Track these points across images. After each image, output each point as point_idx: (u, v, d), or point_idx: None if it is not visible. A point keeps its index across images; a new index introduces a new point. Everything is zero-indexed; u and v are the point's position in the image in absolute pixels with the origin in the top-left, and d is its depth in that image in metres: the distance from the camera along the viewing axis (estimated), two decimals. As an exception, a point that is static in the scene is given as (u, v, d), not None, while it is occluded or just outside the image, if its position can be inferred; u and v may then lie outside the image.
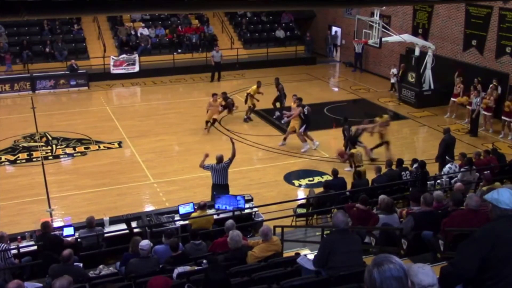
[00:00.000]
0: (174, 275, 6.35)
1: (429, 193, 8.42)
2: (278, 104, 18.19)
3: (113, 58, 22.84)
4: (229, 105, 17.16)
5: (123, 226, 9.55)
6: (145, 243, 7.14)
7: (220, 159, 11.16)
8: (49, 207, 11.89)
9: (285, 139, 15.52)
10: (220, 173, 11.09)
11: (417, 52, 19.39)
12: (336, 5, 12.19)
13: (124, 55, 23.25)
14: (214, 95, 16.89)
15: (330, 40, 27.89)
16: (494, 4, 17.56)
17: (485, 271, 3.41)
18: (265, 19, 27.84)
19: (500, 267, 3.38)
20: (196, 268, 6.70)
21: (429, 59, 18.94)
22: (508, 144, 15.69)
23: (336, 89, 23.02)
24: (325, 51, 27.99)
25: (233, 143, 11.38)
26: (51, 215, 11.42)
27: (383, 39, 18.91)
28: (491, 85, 16.98)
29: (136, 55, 23.42)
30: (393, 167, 11.85)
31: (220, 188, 11.09)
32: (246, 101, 17.77)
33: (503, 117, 16.14)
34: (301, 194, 12.68)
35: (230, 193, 11.23)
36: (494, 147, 14.61)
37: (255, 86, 17.70)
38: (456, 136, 14.79)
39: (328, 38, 27.78)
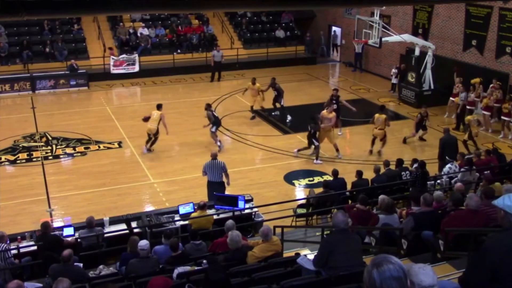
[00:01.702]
0: (174, 275, 6.35)
1: (429, 193, 8.42)
2: (277, 105, 18.17)
3: (113, 58, 22.84)
4: (209, 118, 15.25)
5: (123, 226, 9.55)
6: (143, 243, 7.14)
7: (214, 156, 11.32)
8: (49, 207, 11.89)
9: (337, 150, 14.81)
10: (214, 169, 11.21)
11: (417, 52, 19.40)
12: (336, 5, 12.19)
13: (124, 55, 23.26)
14: (160, 106, 15.09)
15: (324, 41, 27.87)
16: (494, 4, 17.56)
17: (494, 281, 3.38)
18: (265, 19, 27.84)
19: (508, 278, 3.34)
20: (196, 268, 6.69)
21: (429, 59, 18.94)
22: (508, 144, 15.69)
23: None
24: (318, 50, 27.92)
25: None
26: (51, 215, 11.43)
27: (383, 39, 18.91)
28: (491, 85, 16.99)
29: (136, 55, 23.42)
30: (392, 167, 11.86)
31: (215, 185, 11.19)
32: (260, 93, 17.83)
33: (502, 117, 16.18)
34: (301, 194, 12.68)
35: (231, 193, 11.30)
36: (495, 147, 14.61)
37: (250, 83, 17.75)
38: (457, 135, 14.80)
39: (322, 38, 27.76)
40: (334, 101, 16.07)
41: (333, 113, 14.77)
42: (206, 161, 11.42)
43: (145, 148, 15.05)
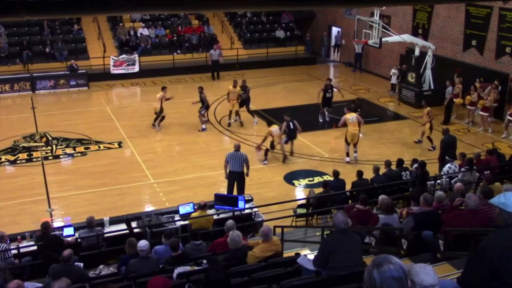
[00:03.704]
0: (174, 275, 6.35)
1: (430, 193, 8.41)
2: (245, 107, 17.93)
3: (113, 58, 22.84)
4: (202, 100, 16.97)
5: (123, 226, 9.54)
6: (143, 243, 7.13)
7: (237, 147, 11.74)
8: (49, 207, 11.89)
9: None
10: (236, 160, 11.52)
11: (417, 52, 19.39)
12: (336, 5, 12.19)
13: (124, 55, 23.26)
14: (163, 88, 17.37)
15: (326, 42, 27.87)
16: (494, 4, 17.56)
17: (492, 280, 3.38)
18: (265, 19, 27.83)
19: (507, 278, 3.33)
20: (196, 268, 6.70)
21: (429, 59, 18.93)
22: (508, 144, 15.69)
23: (336, 89, 22.97)
24: (321, 51, 27.93)
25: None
26: (51, 215, 11.43)
27: (383, 39, 18.90)
28: (491, 85, 16.99)
29: (136, 55, 23.43)
30: (393, 167, 11.86)
31: (235, 175, 11.54)
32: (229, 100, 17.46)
33: (508, 117, 16.12)
34: (301, 194, 12.68)
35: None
36: (494, 147, 14.61)
37: (230, 86, 17.35)
38: (457, 136, 14.79)
39: (324, 39, 27.76)
40: (330, 91, 16.55)
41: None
42: (229, 152, 11.75)
43: (155, 125, 17.09)
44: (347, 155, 14.46)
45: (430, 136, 15.18)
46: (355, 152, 14.44)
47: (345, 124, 14.50)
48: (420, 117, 16.36)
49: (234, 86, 17.29)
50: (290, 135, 14.62)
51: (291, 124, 14.64)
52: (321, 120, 17.55)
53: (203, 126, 16.86)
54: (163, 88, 17.32)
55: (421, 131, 15.66)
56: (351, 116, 14.44)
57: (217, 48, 23.62)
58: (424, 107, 15.49)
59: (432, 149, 14.98)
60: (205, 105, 16.97)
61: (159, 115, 16.97)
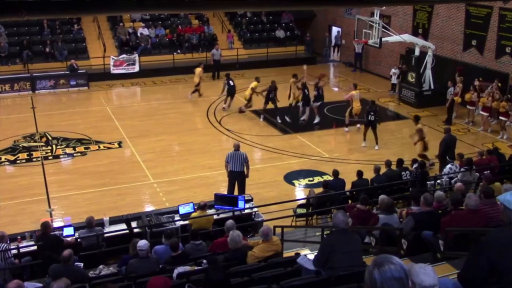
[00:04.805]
0: (174, 275, 6.35)
1: (430, 193, 8.41)
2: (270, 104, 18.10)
3: (113, 58, 22.84)
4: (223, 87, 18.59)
5: (123, 226, 9.55)
6: (143, 243, 7.12)
7: (237, 147, 11.70)
8: (49, 207, 11.88)
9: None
10: (236, 160, 11.50)
11: (417, 52, 19.39)
12: (336, 5, 12.19)
13: (124, 55, 23.26)
14: (200, 64, 20.71)
15: (328, 42, 27.87)
16: (494, 4, 17.56)
17: (492, 276, 3.38)
18: (265, 19, 27.83)
19: (505, 274, 3.34)
20: (196, 268, 6.70)
21: (429, 59, 18.93)
22: (508, 144, 15.69)
23: (336, 89, 23.00)
24: (322, 52, 27.95)
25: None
26: (51, 215, 11.42)
27: (383, 39, 18.91)
28: (492, 85, 16.99)
29: (136, 55, 23.43)
30: (393, 167, 11.86)
31: (236, 175, 11.53)
32: (250, 98, 18.03)
33: (500, 117, 16.16)
34: (301, 194, 12.68)
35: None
36: (495, 147, 14.60)
37: (256, 82, 18.00)
38: (457, 135, 14.79)
39: (326, 40, 27.75)
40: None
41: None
42: (229, 152, 11.71)
43: (200, 93, 20.33)
44: (346, 126, 16.51)
45: (425, 154, 13.53)
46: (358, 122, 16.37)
47: (350, 99, 16.39)
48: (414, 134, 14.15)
49: (258, 81, 18.16)
50: (305, 101, 17.12)
51: (306, 91, 16.98)
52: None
53: (242, 108, 18.29)
54: (200, 64, 20.57)
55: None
56: (357, 93, 16.43)
57: (230, 37, 25.32)
58: (416, 124, 14.00)
59: (430, 166, 13.15)
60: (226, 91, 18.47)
61: (199, 87, 19.83)
